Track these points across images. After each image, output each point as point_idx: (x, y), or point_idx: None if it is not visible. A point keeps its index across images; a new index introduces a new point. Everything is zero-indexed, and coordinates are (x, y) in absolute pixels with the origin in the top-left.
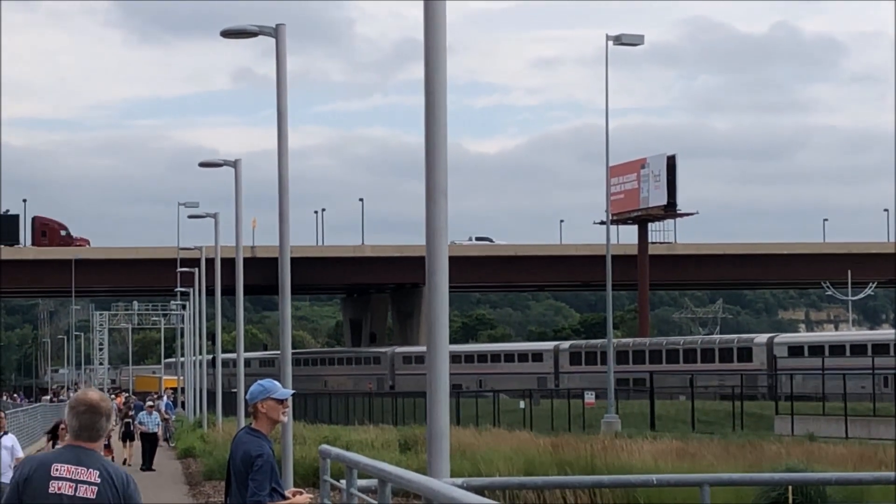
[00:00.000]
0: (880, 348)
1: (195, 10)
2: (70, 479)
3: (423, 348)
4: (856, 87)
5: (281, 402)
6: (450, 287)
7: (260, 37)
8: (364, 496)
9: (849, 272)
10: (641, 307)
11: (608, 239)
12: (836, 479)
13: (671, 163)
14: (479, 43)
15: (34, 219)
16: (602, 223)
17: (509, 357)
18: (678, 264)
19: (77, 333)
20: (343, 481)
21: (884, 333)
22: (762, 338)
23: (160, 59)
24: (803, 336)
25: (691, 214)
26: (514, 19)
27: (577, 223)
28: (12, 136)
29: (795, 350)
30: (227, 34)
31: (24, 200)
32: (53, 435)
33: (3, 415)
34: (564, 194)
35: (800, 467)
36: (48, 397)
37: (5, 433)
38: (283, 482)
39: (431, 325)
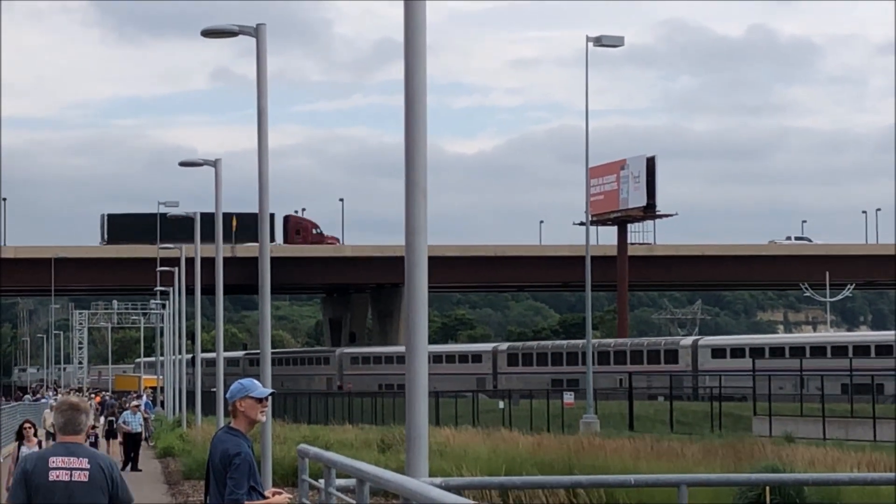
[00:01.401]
0: (797, 351)
1: (171, 9)
2: (65, 468)
3: (370, 349)
4: (833, 89)
5: (260, 401)
6: (429, 287)
7: (238, 37)
8: (342, 496)
9: (827, 274)
10: (620, 308)
11: (587, 240)
12: (814, 480)
13: (651, 164)
14: (458, 43)
15: (288, 217)
16: (582, 224)
17: (450, 358)
18: (657, 265)
19: (56, 332)
20: (322, 481)
21: (807, 336)
22: (687, 340)
23: (138, 59)
24: (725, 339)
25: (671, 216)
26: (493, 20)
27: (557, 224)
28: None
29: (718, 352)
30: (208, 34)
31: (4, 199)
32: (19, 435)
33: None
34: (544, 195)
35: (777, 468)
36: (29, 396)
37: None
38: (262, 481)
39: (410, 325)
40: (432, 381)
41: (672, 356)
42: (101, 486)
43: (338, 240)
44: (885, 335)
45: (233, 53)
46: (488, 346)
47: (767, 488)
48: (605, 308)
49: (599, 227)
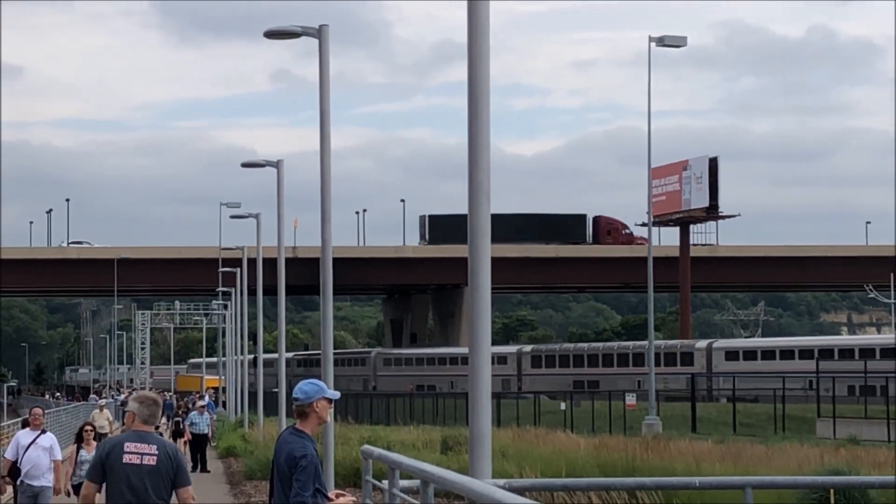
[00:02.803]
0: (805, 353)
1: (231, 12)
2: (137, 453)
3: (403, 350)
4: (893, 90)
5: (330, 401)
6: (491, 288)
7: (298, 39)
8: (406, 497)
9: (891, 275)
10: (683, 309)
11: (650, 240)
12: (880, 483)
13: (713, 165)
14: (519, 44)
15: (598, 218)
16: (644, 225)
17: None
18: (720, 266)
19: (119, 333)
20: (385, 482)
21: (817, 340)
22: (702, 343)
23: (199, 61)
24: (738, 342)
25: (733, 217)
26: (552, 21)
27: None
28: (55, 136)
29: (731, 355)
30: (271, 35)
31: (67, 200)
32: (79, 438)
33: (41, 412)
34: (604, 196)
35: (842, 470)
36: (95, 396)
37: (43, 432)
38: (325, 483)
39: (473, 326)
40: (461, 381)
41: (688, 358)
42: (166, 470)
43: (646, 240)
44: (886, 338)
45: (293, 55)
46: (513, 349)
47: (832, 491)
48: (668, 309)
49: (661, 228)
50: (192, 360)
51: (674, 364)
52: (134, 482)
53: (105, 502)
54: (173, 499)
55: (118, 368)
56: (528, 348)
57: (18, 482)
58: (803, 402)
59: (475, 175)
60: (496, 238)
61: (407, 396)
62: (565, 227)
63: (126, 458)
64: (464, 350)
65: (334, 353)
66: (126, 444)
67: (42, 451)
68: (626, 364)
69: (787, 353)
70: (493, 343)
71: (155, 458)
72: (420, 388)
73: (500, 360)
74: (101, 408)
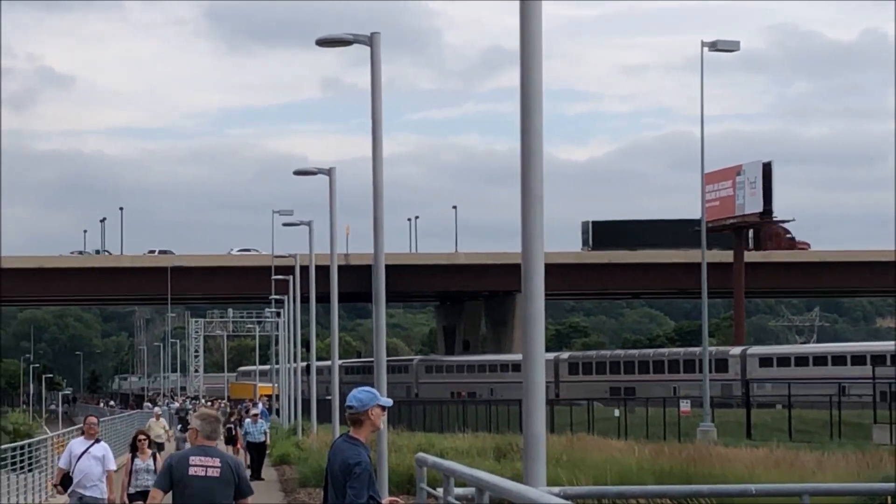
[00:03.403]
0: (838, 360)
1: (279, 19)
2: (202, 466)
3: (443, 358)
4: None
5: (384, 409)
6: (544, 294)
7: (347, 46)
8: None
9: None
10: (737, 315)
11: (703, 246)
12: None
13: (767, 169)
14: (570, 50)
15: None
16: (697, 230)
17: (516, 367)
18: (774, 272)
19: (173, 340)
20: (440, 489)
21: (850, 346)
22: (736, 350)
23: (248, 68)
24: (772, 349)
25: (788, 222)
26: (603, 26)
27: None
28: (107, 145)
29: (765, 361)
30: (323, 43)
31: (121, 209)
32: (133, 447)
33: (95, 421)
34: (656, 201)
35: None
36: (149, 405)
37: (97, 441)
38: (379, 490)
39: (527, 333)
40: (500, 388)
41: (723, 365)
42: (228, 481)
43: (808, 245)
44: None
45: (342, 63)
46: (550, 356)
47: (889, 498)
48: (722, 315)
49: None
50: (241, 368)
51: (708, 371)
52: (199, 493)
53: None
54: None
55: (168, 376)
56: (565, 355)
57: (70, 492)
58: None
59: (528, 181)
60: (643, 244)
61: (459, 403)
62: (722, 232)
63: (192, 471)
64: (504, 357)
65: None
66: (191, 458)
67: (94, 461)
68: (662, 371)
69: (819, 360)
70: (546, 350)
71: (219, 469)
72: (460, 396)
73: None
74: (158, 416)
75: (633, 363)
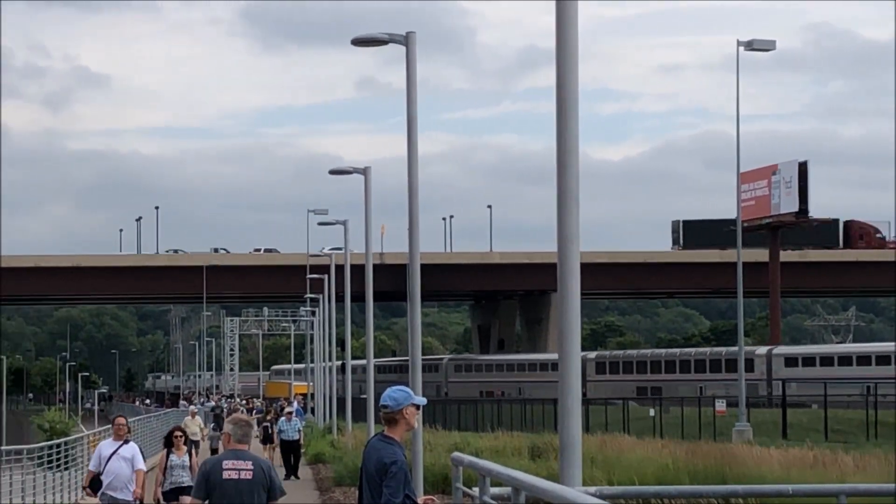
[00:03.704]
0: (863, 360)
1: (314, 19)
2: (235, 469)
3: (473, 357)
4: None
5: (418, 407)
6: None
7: (382, 46)
8: None
9: None
10: (773, 315)
11: (739, 245)
12: None
13: (803, 169)
14: (605, 49)
15: (850, 223)
16: (733, 229)
17: (543, 366)
18: (810, 271)
19: (208, 339)
20: (475, 489)
21: (874, 346)
22: (762, 349)
23: (284, 68)
24: (797, 349)
25: (825, 222)
26: (638, 26)
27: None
28: (142, 144)
29: (790, 361)
30: (358, 42)
31: (157, 208)
32: (168, 442)
33: (124, 421)
34: (691, 201)
35: None
36: (185, 403)
37: (126, 442)
38: (414, 489)
39: (563, 332)
40: (528, 387)
41: (749, 365)
42: (261, 483)
43: None
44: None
45: (377, 62)
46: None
47: None
48: (757, 315)
49: (751, 233)
50: (274, 367)
51: (734, 370)
52: (233, 496)
53: None
54: None
55: (199, 375)
56: (592, 355)
57: (100, 494)
58: (861, 407)
59: (564, 181)
60: (749, 244)
61: (493, 402)
62: (816, 232)
63: (225, 475)
64: (532, 356)
65: (403, 361)
66: (224, 462)
67: (124, 462)
68: (689, 370)
69: (844, 360)
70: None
71: (251, 472)
72: (489, 395)
73: None
74: (193, 414)
75: (660, 363)
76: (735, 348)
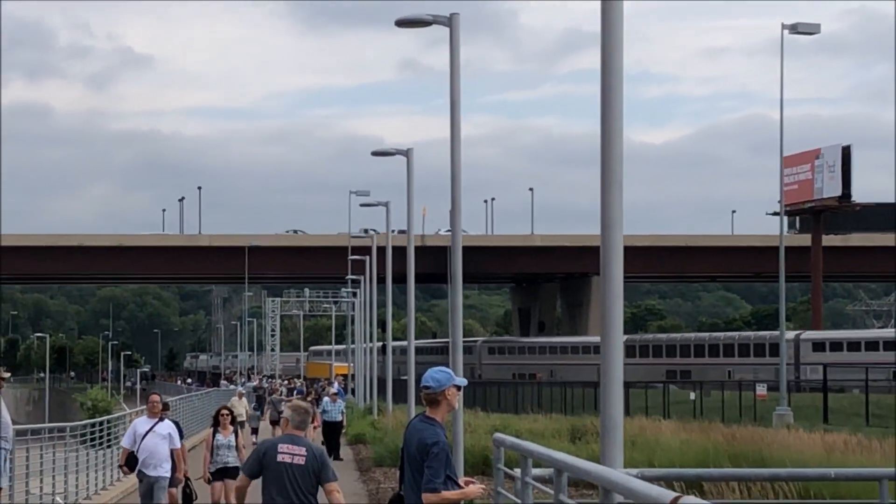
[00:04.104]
0: (889, 345)
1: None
2: (289, 454)
3: (506, 339)
4: None
5: (459, 388)
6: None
7: (424, 28)
8: (539, 485)
9: None
10: (814, 299)
11: (781, 230)
12: None
13: (846, 153)
14: (649, 33)
15: None
16: (775, 214)
17: (574, 349)
18: (852, 256)
19: (249, 319)
20: (516, 470)
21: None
22: (790, 334)
23: (326, 49)
24: (825, 334)
25: (868, 206)
26: (682, 9)
27: (749, 214)
28: (186, 125)
29: (818, 346)
30: (402, 23)
31: (199, 188)
32: (215, 422)
33: (158, 399)
34: (733, 185)
35: None
36: (225, 382)
37: (161, 419)
38: (455, 470)
39: (606, 316)
40: (561, 370)
41: (776, 349)
42: (313, 469)
43: None
44: None
45: (419, 44)
46: None
47: None
48: (799, 299)
49: (793, 218)
50: (313, 348)
51: (762, 355)
52: (286, 479)
53: (262, 496)
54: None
55: (237, 355)
56: (623, 338)
57: (136, 472)
58: (886, 392)
59: (608, 164)
60: (856, 228)
61: (532, 385)
62: (872, 214)
63: (280, 458)
64: (565, 339)
65: (442, 343)
66: (280, 446)
67: (160, 440)
68: (717, 355)
69: (871, 345)
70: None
71: (304, 458)
72: (522, 377)
73: (595, 349)
74: (241, 395)
75: (690, 346)
76: (764, 333)
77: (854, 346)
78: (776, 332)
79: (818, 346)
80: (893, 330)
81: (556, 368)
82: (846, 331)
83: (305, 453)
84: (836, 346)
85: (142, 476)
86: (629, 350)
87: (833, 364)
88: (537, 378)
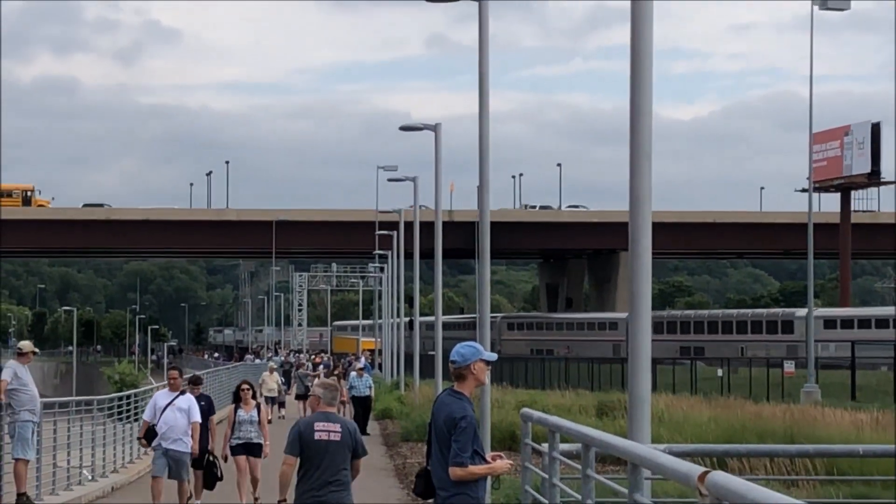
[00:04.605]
0: None
1: None
2: (325, 430)
3: (526, 315)
4: None
5: (487, 363)
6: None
7: (452, 4)
8: (567, 460)
9: None
10: (843, 276)
11: (810, 207)
12: None
13: (876, 130)
14: (678, 8)
15: None
16: (804, 191)
17: (591, 325)
18: (882, 233)
19: (277, 294)
20: (544, 445)
21: None
22: (802, 311)
23: (355, 25)
24: (836, 311)
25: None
26: None
27: (777, 190)
28: (214, 100)
29: (829, 323)
30: None
31: (227, 163)
32: (236, 397)
33: (177, 374)
34: (762, 161)
35: None
36: (251, 356)
37: (182, 393)
38: (483, 445)
39: (634, 292)
40: (574, 346)
41: (788, 327)
42: (347, 444)
43: None
44: None
45: (447, 20)
46: (622, 315)
47: None
48: (827, 276)
49: (822, 194)
50: (337, 323)
51: (775, 332)
52: (323, 455)
53: (300, 472)
54: None
55: (261, 329)
56: None
57: (154, 444)
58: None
59: (637, 139)
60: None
61: (562, 360)
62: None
63: (317, 436)
64: (582, 315)
65: (469, 318)
66: (316, 424)
67: (180, 413)
68: (731, 332)
69: (881, 322)
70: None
71: (339, 434)
72: (539, 352)
73: (611, 325)
74: (272, 370)
75: (703, 323)
76: (776, 310)
77: (864, 323)
78: (789, 310)
79: (829, 323)
80: None
81: (573, 344)
82: (857, 308)
83: (340, 429)
84: (847, 323)
85: (161, 449)
86: None
87: (841, 340)
88: (565, 352)
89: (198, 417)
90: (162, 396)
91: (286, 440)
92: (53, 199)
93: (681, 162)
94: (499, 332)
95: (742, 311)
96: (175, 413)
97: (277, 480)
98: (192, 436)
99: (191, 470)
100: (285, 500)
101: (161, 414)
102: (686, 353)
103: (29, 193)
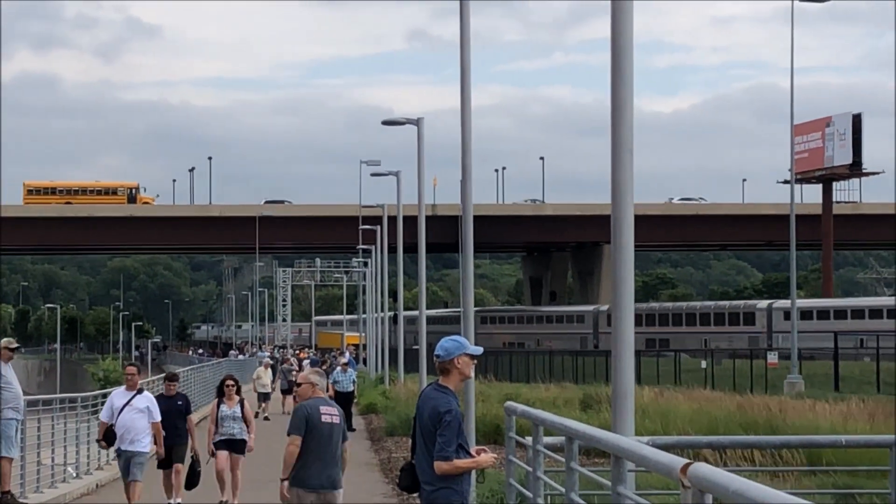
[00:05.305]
0: (857, 313)
1: None
2: (329, 414)
3: (498, 309)
4: None
5: (472, 357)
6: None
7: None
8: (550, 453)
9: None
10: (825, 267)
11: (792, 198)
12: None
13: (857, 121)
14: (659, 2)
15: None
16: (786, 182)
17: (560, 318)
18: (863, 224)
19: (261, 290)
20: (528, 438)
21: (866, 300)
22: (763, 304)
23: (336, 20)
24: (797, 302)
25: (877, 174)
26: None
27: (759, 182)
28: (195, 95)
29: (789, 314)
30: None
31: (210, 159)
32: (220, 392)
33: (135, 370)
34: (743, 153)
35: None
36: (234, 352)
37: (140, 392)
38: (467, 439)
39: (616, 284)
40: (544, 339)
41: (750, 318)
42: (342, 427)
43: None
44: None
45: (428, 15)
46: (590, 308)
47: None
48: (810, 267)
49: (804, 186)
50: (316, 318)
51: (737, 323)
52: (327, 437)
53: (302, 452)
54: None
55: (240, 325)
56: (604, 307)
57: (115, 447)
58: (853, 360)
59: (618, 133)
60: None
61: (546, 354)
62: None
63: (323, 419)
64: (552, 309)
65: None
66: (321, 408)
67: (138, 413)
68: (694, 324)
69: (840, 314)
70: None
71: (338, 417)
72: (511, 346)
73: (578, 318)
74: (267, 366)
75: (668, 316)
76: (738, 302)
77: (823, 314)
78: (751, 302)
79: (789, 314)
80: (865, 300)
81: (543, 337)
82: (817, 300)
83: (338, 413)
84: (807, 315)
85: (120, 451)
86: (611, 319)
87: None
88: (548, 346)
89: (157, 417)
90: (118, 396)
91: (289, 423)
92: (158, 196)
93: (663, 154)
94: (474, 326)
95: (705, 303)
96: (132, 414)
97: (282, 460)
98: (154, 436)
99: (160, 471)
100: (288, 479)
101: (118, 414)
102: (651, 346)
103: (134, 191)
